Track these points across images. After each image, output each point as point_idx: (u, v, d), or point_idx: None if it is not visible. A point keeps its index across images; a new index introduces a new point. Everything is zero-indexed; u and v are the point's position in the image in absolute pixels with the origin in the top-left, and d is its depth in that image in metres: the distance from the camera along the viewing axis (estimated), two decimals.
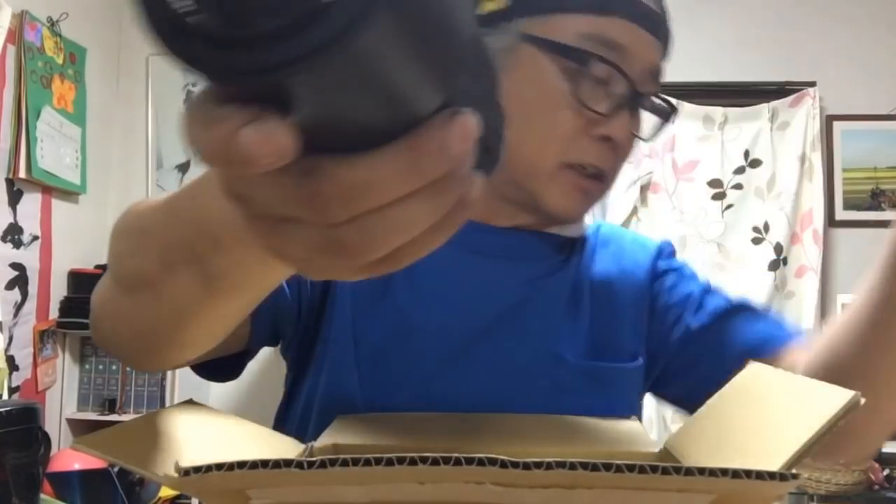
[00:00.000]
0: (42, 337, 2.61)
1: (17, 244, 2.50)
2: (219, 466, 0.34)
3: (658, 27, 0.67)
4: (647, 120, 0.72)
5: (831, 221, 2.88)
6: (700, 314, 0.75)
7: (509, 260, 0.74)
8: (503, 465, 0.32)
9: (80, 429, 2.73)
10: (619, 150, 0.68)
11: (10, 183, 2.46)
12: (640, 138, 0.70)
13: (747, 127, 2.87)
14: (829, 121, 2.90)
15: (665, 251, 0.81)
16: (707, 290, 0.78)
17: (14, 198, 2.48)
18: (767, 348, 0.70)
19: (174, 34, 0.20)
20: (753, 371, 0.56)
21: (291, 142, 0.22)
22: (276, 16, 0.19)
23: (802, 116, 2.83)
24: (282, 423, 0.74)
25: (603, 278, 0.77)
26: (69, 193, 2.78)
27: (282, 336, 0.71)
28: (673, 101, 0.73)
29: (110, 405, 2.76)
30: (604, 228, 0.82)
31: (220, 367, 0.64)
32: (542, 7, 0.66)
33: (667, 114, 0.72)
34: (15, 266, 2.49)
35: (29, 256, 2.55)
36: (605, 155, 0.67)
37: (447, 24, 0.23)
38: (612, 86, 0.65)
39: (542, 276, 0.75)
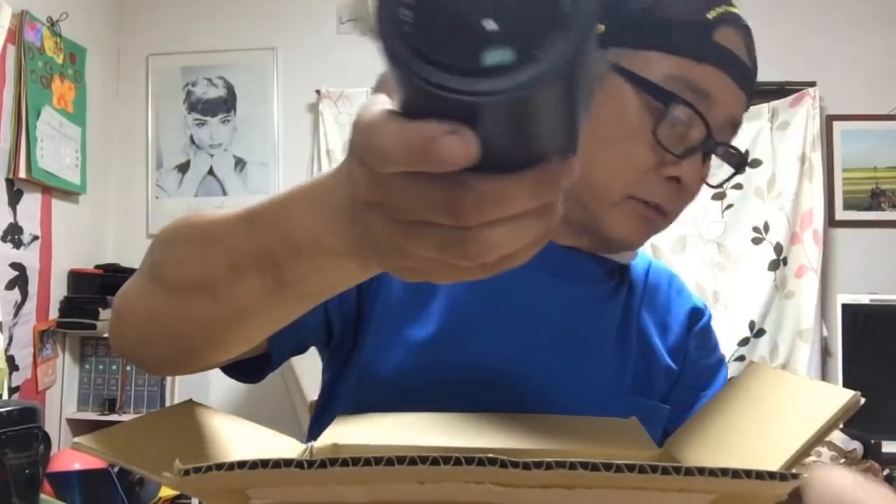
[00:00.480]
0: (42, 337, 2.61)
1: (17, 244, 2.50)
2: (219, 466, 0.34)
3: (746, 80, 0.68)
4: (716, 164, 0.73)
5: (831, 221, 2.88)
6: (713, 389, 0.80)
7: (565, 278, 0.75)
8: (503, 465, 0.32)
9: (80, 429, 2.73)
10: (685, 192, 0.69)
11: (10, 183, 2.46)
12: (709, 185, 0.71)
13: (747, 127, 2.87)
14: (829, 121, 2.90)
15: (706, 314, 0.85)
16: (722, 362, 0.83)
17: (14, 198, 2.48)
18: None
19: (418, 65, 0.29)
20: (753, 371, 0.56)
21: (476, 152, 0.29)
22: (499, 54, 0.27)
23: (802, 116, 2.83)
24: (319, 427, 0.72)
25: (648, 322, 0.79)
26: (69, 193, 2.78)
27: (311, 345, 0.73)
28: (742, 150, 0.73)
29: (110, 405, 2.76)
30: (653, 269, 0.84)
31: (242, 369, 0.66)
32: (638, 41, 0.67)
33: (738, 163, 0.72)
34: (15, 266, 2.49)
35: (29, 256, 2.55)
36: (670, 195, 0.68)
37: (587, 88, 0.30)
38: (691, 130, 0.66)
39: (597, 301, 0.76)
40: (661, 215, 0.70)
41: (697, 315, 0.83)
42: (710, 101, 0.65)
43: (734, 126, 0.69)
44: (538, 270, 0.73)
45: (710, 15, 0.66)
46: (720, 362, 0.83)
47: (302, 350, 0.72)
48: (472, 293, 0.72)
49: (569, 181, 0.32)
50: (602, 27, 0.67)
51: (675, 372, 0.79)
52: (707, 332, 0.84)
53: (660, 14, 0.66)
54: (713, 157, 0.70)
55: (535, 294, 0.74)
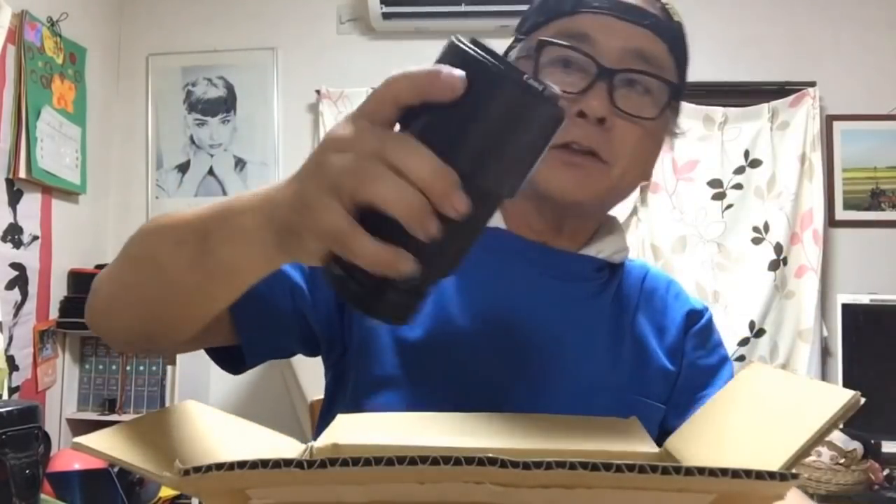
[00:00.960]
0: (42, 337, 2.61)
1: (17, 244, 2.50)
2: (219, 466, 0.34)
3: (635, 15, 0.72)
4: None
5: (831, 221, 2.88)
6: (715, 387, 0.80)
7: (553, 277, 0.77)
8: (503, 464, 0.32)
9: (80, 429, 2.73)
10: (611, 128, 0.71)
11: (10, 183, 2.45)
12: (635, 115, 0.71)
13: (747, 127, 2.87)
14: (829, 121, 2.90)
15: (705, 315, 0.85)
16: (725, 361, 0.83)
17: (14, 198, 2.48)
18: None
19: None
20: (753, 371, 0.56)
21: None
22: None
23: (802, 116, 2.83)
24: (324, 427, 0.74)
25: (644, 325, 0.80)
26: (69, 193, 2.78)
27: (297, 351, 0.76)
28: (669, 79, 0.74)
29: (110, 405, 2.76)
30: (651, 276, 0.85)
31: (224, 357, 0.72)
32: (531, 26, 0.76)
33: (670, 92, 0.74)
34: (15, 266, 2.49)
35: (29, 256, 2.55)
36: (590, 133, 0.70)
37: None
38: (588, 70, 0.70)
39: (586, 298, 0.78)
40: (592, 158, 0.71)
41: (695, 316, 0.83)
42: (589, 39, 0.71)
43: (644, 58, 0.72)
44: (526, 270, 0.76)
45: None
46: (723, 361, 0.83)
47: (285, 354, 0.75)
48: (460, 294, 0.74)
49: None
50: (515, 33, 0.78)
51: (673, 373, 0.79)
52: (706, 332, 0.83)
53: (546, 7, 0.76)
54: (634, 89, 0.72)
55: (524, 293, 0.76)
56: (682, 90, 0.77)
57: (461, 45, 0.41)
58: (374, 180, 0.40)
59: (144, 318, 0.60)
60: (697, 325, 0.83)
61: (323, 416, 0.79)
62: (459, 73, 0.40)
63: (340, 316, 0.74)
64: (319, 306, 0.72)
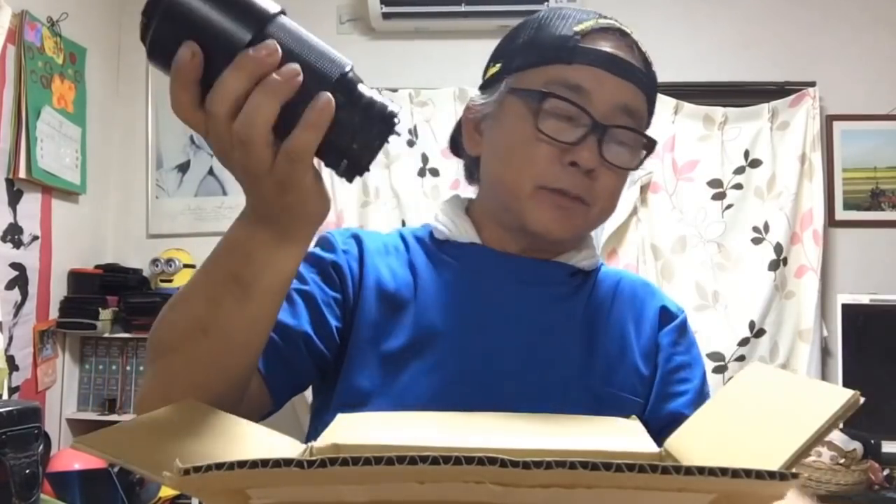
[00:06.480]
0: (42, 337, 2.61)
1: (17, 244, 2.50)
2: (219, 466, 0.34)
3: (628, 71, 0.77)
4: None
5: (831, 221, 2.88)
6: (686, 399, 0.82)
7: (526, 283, 0.82)
8: (503, 464, 0.32)
9: (80, 429, 2.73)
10: (596, 178, 0.77)
11: (10, 183, 2.45)
12: (620, 167, 0.79)
13: (747, 127, 2.87)
14: (829, 121, 2.90)
15: (680, 316, 0.87)
16: (698, 361, 0.86)
17: (14, 198, 2.48)
18: None
19: None
20: (753, 371, 0.56)
21: None
22: None
23: (802, 116, 2.83)
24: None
25: (621, 326, 0.84)
26: (69, 193, 2.78)
27: (309, 384, 0.82)
28: (653, 137, 0.81)
29: (110, 405, 2.76)
30: (626, 279, 0.89)
31: None
32: (522, 65, 0.80)
33: (645, 146, 0.81)
34: (15, 266, 2.49)
35: (29, 256, 2.55)
36: (578, 181, 0.77)
37: None
38: (578, 120, 0.76)
39: (558, 300, 0.83)
40: (577, 202, 0.78)
41: (669, 316, 0.87)
42: (585, 92, 0.76)
43: (629, 112, 0.78)
44: (500, 277, 0.83)
45: (578, 28, 0.78)
46: (696, 361, 0.85)
47: (302, 389, 0.80)
48: (439, 304, 0.81)
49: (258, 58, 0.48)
50: (498, 65, 0.83)
51: (648, 376, 0.82)
52: (680, 330, 0.86)
53: (537, 40, 0.80)
54: (620, 143, 0.78)
55: (498, 297, 0.82)
56: (654, 141, 0.82)
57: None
58: (254, 108, 0.49)
59: (210, 391, 0.61)
60: (672, 323, 0.86)
61: (311, 423, 0.84)
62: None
63: (342, 342, 0.80)
64: (327, 340, 0.78)
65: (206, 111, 0.49)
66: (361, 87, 0.51)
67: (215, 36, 0.48)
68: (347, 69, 0.51)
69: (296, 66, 0.49)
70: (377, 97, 0.52)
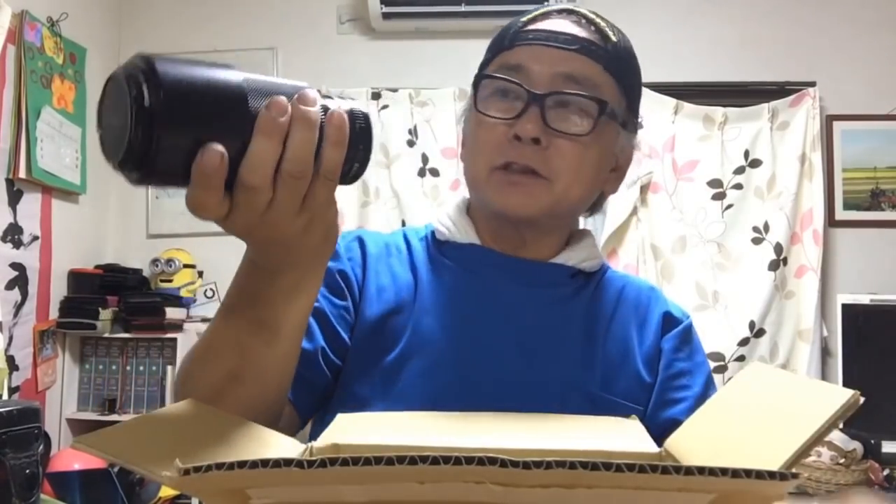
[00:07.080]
0: (42, 337, 2.61)
1: (17, 244, 2.50)
2: (219, 466, 0.34)
3: (565, 42, 0.78)
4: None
5: (831, 221, 2.88)
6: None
7: (527, 285, 0.82)
8: (503, 464, 0.32)
9: (80, 429, 2.73)
10: (547, 147, 0.76)
11: (10, 183, 2.46)
12: (567, 133, 0.77)
13: (747, 127, 2.87)
14: (829, 121, 2.91)
15: (684, 322, 0.87)
16: (701, 367, 0.84)
17: (14, 198, 2.48)
18: None
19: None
20: (753, 371, 0.56)
21: None
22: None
23: (802, 116, 2.83)
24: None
25: (624, 330, 0.83)
26: (69, 193, 2.78)
27: (330, 394, 0.82)
28: (602, 97, 0.78)
29: (110, 405, 2.76)
30: (630, 284, 0.89)
31: None
32: (482, 63, 0.83)
33: (597, 109, 0.78)
34: (15, 266, 2.49)
35: (29, 256, 2.55)
36: (523, 151, 0.76)
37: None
38: (519, 96, 0.77)
39: (559, 301, 0.83)
40: (532, 176, 0.77)
41: (673, 321, 0.86)
42: (523, 70, 0.77)
43: (574, 80, 0.77)
44: (498, 279, 0.83)
45: (524, 19, 0.81)
46: (699, 366, 0.84)
47: (326, 401, 0.81)
48: (436, 306, 0.81)
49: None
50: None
51: (649, 384, 0.81)
52: (683, 336, 0.85)
53: (494, 39, 0.83)
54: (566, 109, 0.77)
55: (496, 299, 0.82)
56: (626, 104, 0.81)
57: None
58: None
59: (261, 406, 0.63)
60: (675, 329, 0.85)
61: (312, 424, 0.84)
62: None
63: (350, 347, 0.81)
64: (340, 352, 0.80)
65: (239, 191, 0.47)
66: (329, 102, 0.51)
67: (224, 130, 0.45)
68: (314, 88, 0.51)
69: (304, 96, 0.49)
70: (346, 105, 0.52)
